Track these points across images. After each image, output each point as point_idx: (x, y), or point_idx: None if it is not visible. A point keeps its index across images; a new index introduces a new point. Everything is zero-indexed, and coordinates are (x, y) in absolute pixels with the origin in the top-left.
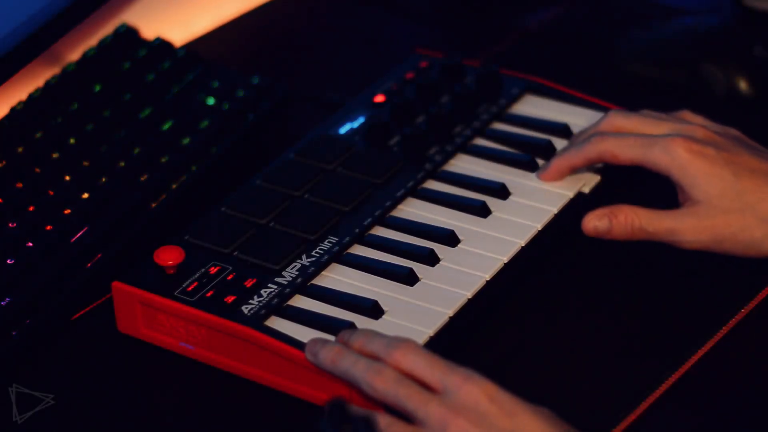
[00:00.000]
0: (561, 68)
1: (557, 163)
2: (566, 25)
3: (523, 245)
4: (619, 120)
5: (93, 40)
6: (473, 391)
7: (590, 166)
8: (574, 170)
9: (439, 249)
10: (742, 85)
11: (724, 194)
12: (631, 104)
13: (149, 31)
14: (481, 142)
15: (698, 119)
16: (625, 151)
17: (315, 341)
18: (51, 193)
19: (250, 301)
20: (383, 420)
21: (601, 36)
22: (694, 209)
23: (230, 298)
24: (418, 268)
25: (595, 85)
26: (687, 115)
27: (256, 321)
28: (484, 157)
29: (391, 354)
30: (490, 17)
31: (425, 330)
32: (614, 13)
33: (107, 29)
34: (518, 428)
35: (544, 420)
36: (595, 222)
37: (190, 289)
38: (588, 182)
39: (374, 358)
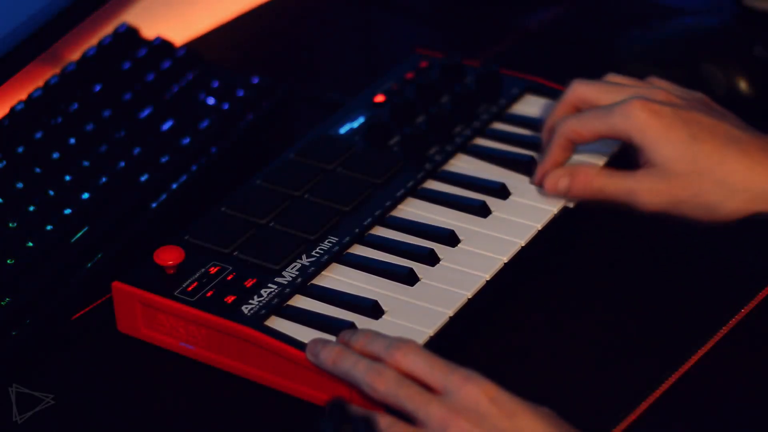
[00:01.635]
0: (561, 68)
1: (543, 169)
2: (566, 25)
3: (523, 245)
4: (581, 89)
5: (93, 40)
6: (474, 391)
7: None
8: (561, 163)
9: (439, 249)
10: (742, 85)
11: (681, 156)
12: None
13: (149, 31)
14: (481, 142)
15: (663, 83)
16: (587, 127)
17: (316, 341)
18: (51, 193)
19: (250, 301)
20: (384, 420)
21: (601, 36)
22: (653, 171)
23: (230, 298)
24: (418, 268)
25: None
26: (654, 80)
27: (256, 321)
28: (484, 157)
29: (392, 355)
30: (490, 17)
31: (425, 330)
32: (614, 13)
33: (107, 29)
34: (519, 429)
35: (545, 420)
36: (554, 180)
37: (190, 289)
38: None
39: (375, 358)
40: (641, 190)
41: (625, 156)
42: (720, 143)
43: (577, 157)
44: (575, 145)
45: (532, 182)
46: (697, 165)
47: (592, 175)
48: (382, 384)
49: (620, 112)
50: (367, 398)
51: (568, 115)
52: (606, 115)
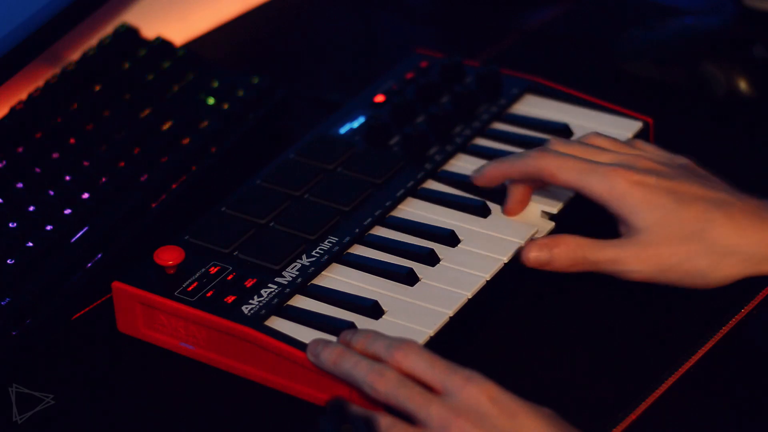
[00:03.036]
0: (561, 68)
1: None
2: (566, 25)
3: (523, 245)
4: (559, 145)
5: (93, 40)
6: (474, 392)
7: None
8: (509, 180)
9: (439, 249)
10: (742, 85)
11: (666, 223)
12: (632, 104)
13: (149, 31)
14: (481, 142)
15: (648, 148)
16: (563, 173)
17: (316, 342)
18: (51, 193)
19: (250, 301)
20: (384, 421)
21: (601, 36)
22: (637, 238)
23: (230, 298)
24: (418, 268)
25: (595, 85)
26: (638, 144)
27: (256, 321)
28: (485, 157)
29: (393, 355)
30: (490, 17)
31: (425, 330)
32: (614, 13)
33: (107, 29)
34: (519, 429)
35: (546, 420)
36: (535, 252)
37: (190, 289)
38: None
39: (376, 358)
40: (627, 258)
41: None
42: (706, 208)
43: None
44: (536, 181)
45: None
46: (684, 231)
47: (575, 246)
48: (383, 384)
49: (601, 175)
50: (368, 398)
51: (552, 150)
52: (587, 172)
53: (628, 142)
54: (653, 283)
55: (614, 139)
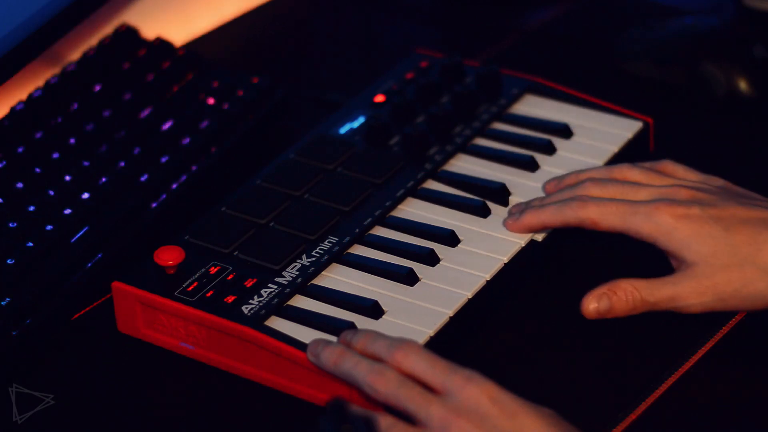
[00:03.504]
0: (561, 68)
1: (529, 218)
2: (566, 25)
3: (523, 245)
4: (594, 190)
5: (93, 40)
6: (475, 392)
7: None
8: (545, 229)
9: (439, 249)
10: (742, 85)
11: (718, 251)
12: (632, 104)
13: (149, 31)
14: (481, 142)
15: (680, 171)
16: (606, 219)
17: (317, 342)
18: (51, 193)
19: (250, 301)
20: (384, 421)
21: (601, 36)
22: (692, 271)
23: (230, 298)
24: (418, 268)
25: (595, 85)
26: (668, 166)
27: (256, 321)
28: (485, 157)
29: (393, 355)
30: (490, 17)
31: (425, 330)
32: (614, 13)
33: (107, 29)
34: (520, 429)
35: (546, 420)
36: (594, 303)
37: (190, 289)
38: None
39: (376, 359)
40: (686, 293)
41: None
42: (755, 230)
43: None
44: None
45: (504, 222)
46: (737, 257)
47: (632, 290)
48: (383, 385)
49: (645, 215)
50: (368, 399)
51: (590, 197)
52: (630, 214)
53: (659, 167)
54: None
55: (646, 169)
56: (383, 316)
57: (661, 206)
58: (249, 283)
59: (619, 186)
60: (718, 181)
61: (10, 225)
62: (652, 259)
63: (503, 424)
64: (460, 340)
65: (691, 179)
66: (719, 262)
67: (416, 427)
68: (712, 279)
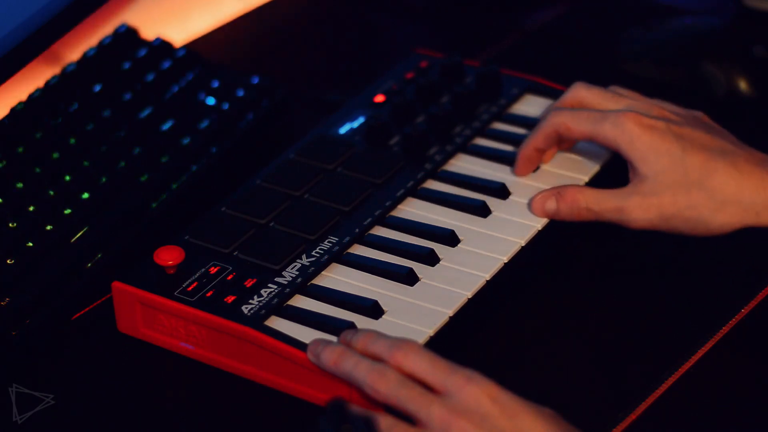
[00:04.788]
0: (561, 68)
1: (523, 153)
2: (566, 25)
3: (523, 245)
4: (581, 92)
5: (93, 40)
6: (475, 392)
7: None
8: (541, 151)
9: (439, 249)
10: (742, 85)
11: (670, 169)
12: None
13: (149, 31)
14: (481, 142)
15: (665, 103)
16: (578, 125)
17: (317, 342)
18: (51, 193)
19: (250, 301)
20: (385, 422)
21: (601, 36)
22: (640, 186)
23: (230, 298)
24: (418, 267)
25: (599, 81)
26: (656, 100)
27: (256, 321)
28: (485, 157)
29: (394, 355)
30: (490, 17)
31: (425, 330)
32: (614, 13)
33: (107, 29)
34: (520, 429)
35: (546, 421)
36: (541, 201)
37: (190, 289)
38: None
39: (376, 358)
40: (630, 207)
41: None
42: (710, 156)
43: (571, 160)
44: (558, 140)
45: (513, 172)
46: (688, 177)
47: (579, 195)
48: (384, 385)
49: (613, 120)
50: (369, 399)
51: (565, 108)
52: (598, 120)
53: (648, 98)
54: (654, 230)
55: (634, 92)
56: (383, 316)
57: (629, 114)
58: (249, 283)
59: (603, 91)
60: (696, 113)
61: (10, 225)
62: (651, 259)
63: (503, 424)
64: (460, 340)
65: (670, 106)
66: (669, 179)
67: (417, 427)
68: (659, 197)
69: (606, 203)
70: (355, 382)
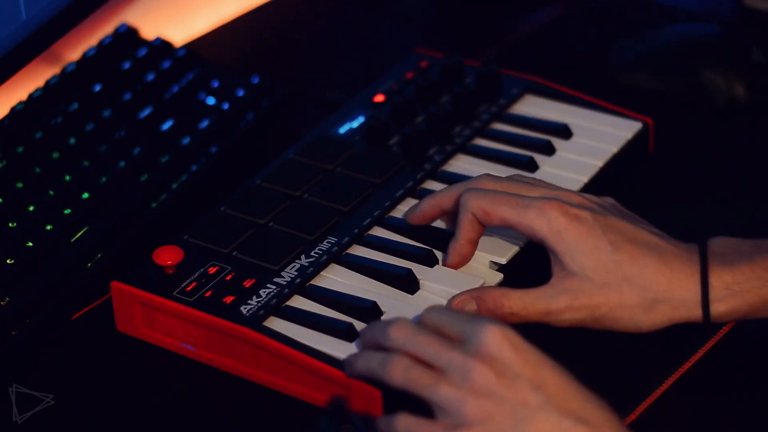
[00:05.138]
0: (561, 68)
1: (456, 250)
2: (566, 25)
3: (522, 246)
4: (489, 183)
5: (93, 40)
6: (498, 338)
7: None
8: (474, 241)
9: (438, 250)
10: (742, 90)
11: (600, 266)
12: (631, 108)
13: (149, 31)
14: (481, 142)
15: (578, 193)
16: (497, 209)
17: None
18: (51, 193)
19: (249, 302)
20: (403, 422)
21: (601, 36)
22: (568, 283)
23: (229, 299)
24: (417, 268)
25: (595, 86)
26: (566, 189)
27: (255, 321)
28: (484, 157)
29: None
30: (490, 17)
31: None
32: (614, 13)
33: (107, 29)
34: (543, 380)
35: (567, 375)
36: (461, 306)
37: (189, 289)
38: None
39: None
40: (560, 310)
41: (626, 160)
42: (639, 251)
43: (571, 160)
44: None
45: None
46: (617, 275)
47: (503, 299)
48: (401, 332)
49: (538, 209)
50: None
51: (478, 188)
52: (522, 207)
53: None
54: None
55: (539, 181)
56: (382, 317)
57: (554, 203)
58: (248, 284)
59: (513, 183)
60: (609, 200)
61: (10, 225)
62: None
63: (526, 372)
64: None
65: (582, 194)
66: (599, 278)
67: (433, 420)
68: (590, 298)
69: (532, 307)
70: (376, 345)
